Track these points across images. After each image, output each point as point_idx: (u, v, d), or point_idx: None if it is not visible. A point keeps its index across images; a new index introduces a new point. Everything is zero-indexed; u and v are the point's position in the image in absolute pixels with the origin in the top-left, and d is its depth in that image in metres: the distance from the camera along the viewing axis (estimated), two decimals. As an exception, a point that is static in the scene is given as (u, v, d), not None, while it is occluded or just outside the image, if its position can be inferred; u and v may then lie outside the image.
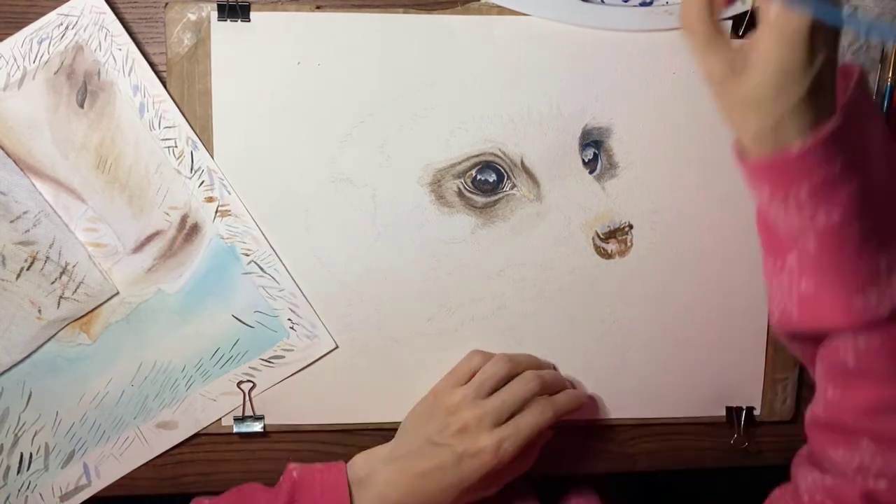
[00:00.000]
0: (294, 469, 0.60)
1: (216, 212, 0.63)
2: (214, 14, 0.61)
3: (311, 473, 0.59)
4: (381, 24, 0.62)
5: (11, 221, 0.61)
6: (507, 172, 0.64)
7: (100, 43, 0.61)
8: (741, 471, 0.71)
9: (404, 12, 0.62)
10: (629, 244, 0.65)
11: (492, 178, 0.64)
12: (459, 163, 0.64)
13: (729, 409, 0.68)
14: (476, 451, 0.57)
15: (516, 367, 0.62)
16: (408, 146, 0.63)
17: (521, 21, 0.62)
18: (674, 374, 0.67)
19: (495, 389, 0.61)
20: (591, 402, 0.67)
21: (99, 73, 0.61)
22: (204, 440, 0.66)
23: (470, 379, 0.62)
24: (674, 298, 0.66)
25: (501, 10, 0.62)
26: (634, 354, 0.66)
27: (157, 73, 0.61)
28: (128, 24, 0.61)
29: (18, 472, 0.64)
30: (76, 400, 0.64)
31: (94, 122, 0.61)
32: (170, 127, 0.62)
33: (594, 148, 0.64)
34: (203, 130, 0.62)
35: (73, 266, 0.62)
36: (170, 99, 0.62)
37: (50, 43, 0.60)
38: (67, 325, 0.63)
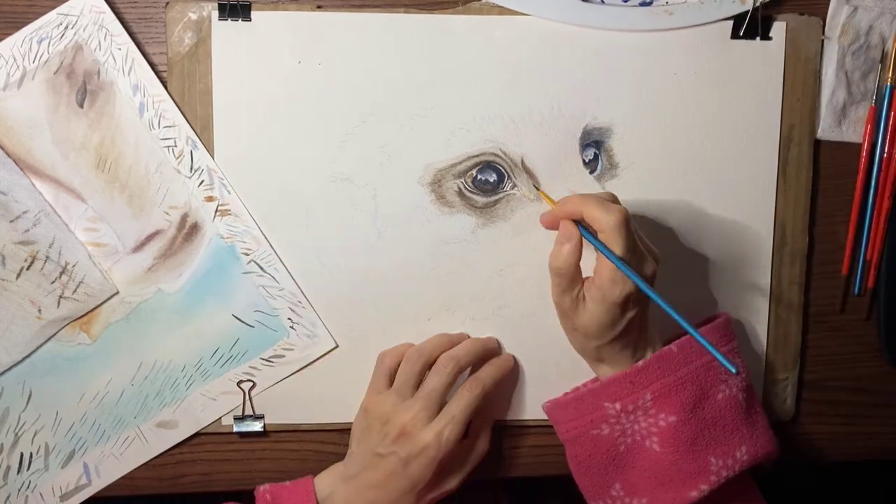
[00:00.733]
0: (266, 491, 0.61)
1: (216, 211, 0.63)
2: (215, 13, 0.61)
3: (281, 491, 0.61)
4: (382, 23, 0.62)
5: (11, 221, 0.61)
6: (507, 172, 0.64)
7: (99, 42, 0.61)
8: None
9: (405, 12, 0.62)
10: (629, 244, 0.65)
11: (492, 178, 0.64)
12: (460, 163, 0.64)
13: (728, 408, 0.68)
14: (420, 451, 0.58)
15: (429, 356, 0.63)
16: (408, 146, 0.63)
17: (521, 21, 0.62)
18: (673, 374, 0.67)
19: (418, 385, 0.62)
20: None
21: (99, 72, 0.61)
22: (204, 440, 0.66)
23: (391, 382, 0.63)
24: (674, 298, 0.66)
25: (502, 11, 0.62)
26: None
27: (157, 72, 0.61)
28: (127, 24, 0.61)
29: (18, 471, 0.64)
30: (76, 399, 0.64)
31: (93, 121, 0.61)
32: (169, 126, 0.62)
33: (595, 148, 0.64)
34: (203, 130, 0.62)
35: (73, 266, 0.62)
36: (169, 98, 0.62)
37: (49, 42, 0.60)
38: (67, 324, 0.63)
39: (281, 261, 0.64)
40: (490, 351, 0.65)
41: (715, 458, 0.58)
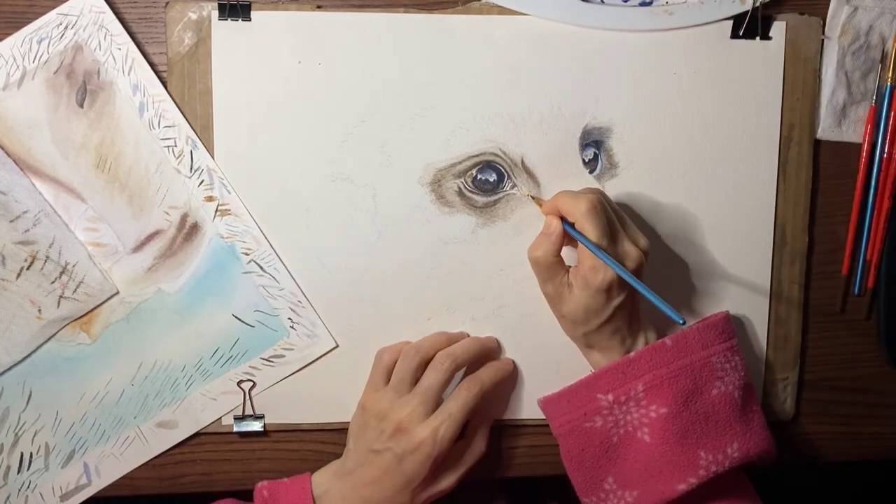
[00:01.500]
0: (264, 488, 0.61)
1: (216, 211, 0.63)
2: (215, 13, 0.61)
3: (279, 487, 0.61)
4: (381, 23, 0.62)
5: (11, 221, 0.61)
6: (507, 172, 0.64)
7: (99, 42, 0.61)
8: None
9: (405, 12, 0.62)
10: (629, 244, 0.65)
11: (492, 177, 0.64)
12: (460, 162, 0.64)
13: (728, 408, 0.68)
14: (415, 447, 0.58)
15: (426, 353, 0.63)
16: (408, 146, 0.63)
17: (521, 21, 0.62)
18: (673, 374, 0.67)
19: (415, 382, 0.62)
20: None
21: (98, 72, 0.61)
22: (204, 440, 0.66)
23: (388, 379, 0.63)
24: (674, 299, 0.66)
25: (502, 10, 0.62)
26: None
27: (157, 72, 0.61)
28: (127, 24, 0.61)
29: (19, 471, 0.64)
30: (76, 399, 0.64)
31: (93, 121, 0.61)
32: (169, 126, 0.62)
33: (594, 148, 0.64)
34: (204, 130, 0.62)
35: (73, 266, 0.62)
36: (169, 98, 0.62)
37: (49, 42, 0.60)
38: (67, 324, 0.63)
39: (281, 261, 0.64)
40: (489, 350, 0.65)
41: (705, 452, 0.58)
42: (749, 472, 0.62)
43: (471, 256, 0.65)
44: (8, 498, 0.64)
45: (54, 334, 0.63)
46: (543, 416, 0.63)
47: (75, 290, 0.62)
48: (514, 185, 0.64)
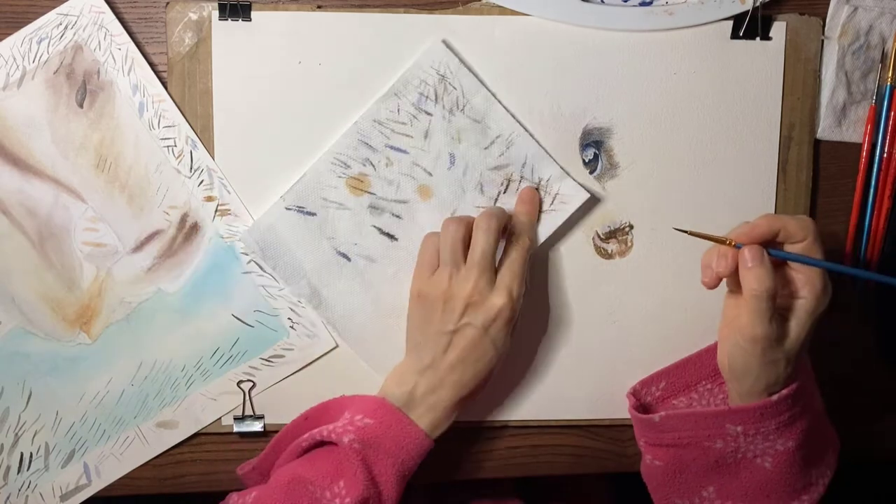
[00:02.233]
0: (346, 433, 0.57)
1: (216, 211, 0.63)
2: (215, 13, 0.61)
3: (364, 430, 0.58)
4: (382, 23, 0.62)
5: (486, 148, 0.62)
6: (507, 172, 0.64)
7: (99, 42, 0.61)
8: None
9: (405, 12, 0.62)
10: (629, 244, 0.65)
11: (492, 178, 0.64)
12: (460, 163, 0.64)
13: (728, 408, 0.68)
14: (496, 313, 0.58)
15: (466, 223, 0.60)
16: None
17: (521, 21, 0.62)
18: (673, 374, 0.67)
19: (465, 253, 0.59)
20: (590, 400, 0.67)
21: (98, 72, 0.61)
22: (204, 440, 0.66)
23: (437, 263, 0.60)
24: (674, 298, 0.66)
25: (502, 10, 0.62)
26: (635, 354, 0.66)
27: (157, 72, 0.61)
28: (127, 24, 0.61)
29: (19, 471, 0.64)
30: (76, 399, 0.64)
31: (93, 121, 0.61)
32: (169, 126, 0.62)
33: (595, 148, 0.64)
34: (204, 129, 0.62)
35: (547, 180, 0.63)
36: (169, 98, 0.62)
37: (49, 42, 0.60)
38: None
39: (281, 261, 0.64)
40: (508, 212, 0.63)
41: (815, 471, 0.59)
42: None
43: (471, 256, 0.65)
44: (8, 498, 0.64)
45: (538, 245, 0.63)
46: (544, 417, 0.63)
47: (552, 203, 0.63)
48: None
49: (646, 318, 0.66)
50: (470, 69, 0.62)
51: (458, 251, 0.59)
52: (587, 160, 0.64)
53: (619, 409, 0.66)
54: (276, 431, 0.66)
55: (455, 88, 0.61)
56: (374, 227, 0.63)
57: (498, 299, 0.58)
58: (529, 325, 0.65)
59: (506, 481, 0.70)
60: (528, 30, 0.62)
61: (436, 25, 0.62)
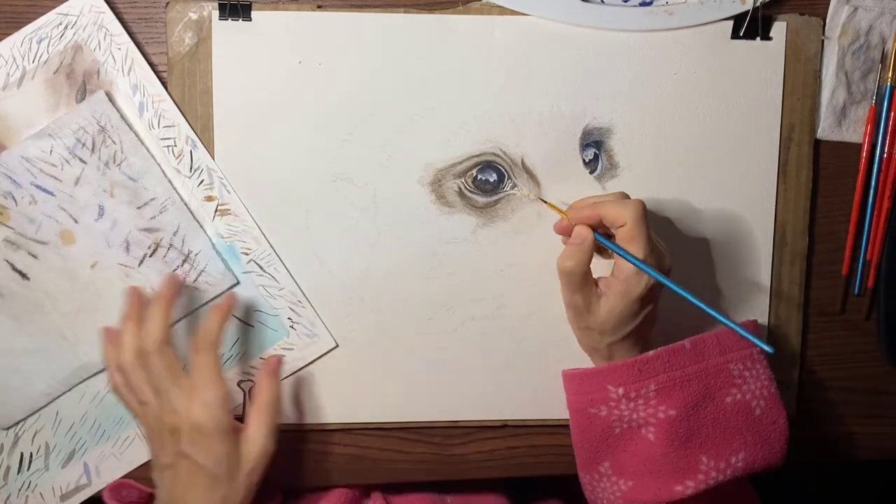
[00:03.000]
0: None
1: (216, 211, 0.63)
2: (216, 13, 0.61)
3: None
4: (382, 23, 0.62)
5: (139, 208, 0.61)
6: (507, 172, 0.64)
7: (99, 42, 0.61)
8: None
9: (405, 12, 0.62)
10: (629, 244, 0.65)
11: (492, 177, 0.64)
12: (460, 162, 0.64)
13: (728, 408, 0.68)
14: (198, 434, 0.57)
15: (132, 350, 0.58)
16: (408, 146, 0.63)
17: (521, 21, 0.62)
18: (673, 374, 0.67)
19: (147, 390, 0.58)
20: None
21: (98, 72, 0.61)
22: (204, 440, 0.66)
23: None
24: (674, 299, 0.66)
25: (502, 10, 0.62)
26: (634, 354, 0.66)
27: (157, 72, 0.61)
28: (127, 24, 0.61)
29: (19, 471, 0.64)
30: (76, 399, 0.64)
31: (93, 121, 0.61)
32: (169, 126, 0.62)
33: (595, 148, 0.64)
34: (204, 129, 0.62)
35: (196, 254, 0.62)
36: (169, 98, 0.62)
37: (49, 42, 0.60)
38: (190, 313, 0.63)
39: (281, 260, 0.64)
40: (170, 297, 0.60)
41: (707, 458, 0.58)
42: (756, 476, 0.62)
43: (471, 256, 0.65)
44: (8, 498, 0.64)
45: (175, 323, 0.63)
46: (544, 417, 0.63)
47: (196, 279, 0.62)
48: (515, 186, 0.64)
49: (646, 318, 0.66)
50: (131, 127, 0.59)
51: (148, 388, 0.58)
52: (587, 160, 0.64)
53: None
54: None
55: (115, 143, 0.59)
56: (7, 261, 0.60)
57: (195, 417, 0.56)
58: (529, 326, 0.65)
59: (494, 481, 0.70)
60: (528, 30, 0.63)
61: (436, 25, 0.62)
